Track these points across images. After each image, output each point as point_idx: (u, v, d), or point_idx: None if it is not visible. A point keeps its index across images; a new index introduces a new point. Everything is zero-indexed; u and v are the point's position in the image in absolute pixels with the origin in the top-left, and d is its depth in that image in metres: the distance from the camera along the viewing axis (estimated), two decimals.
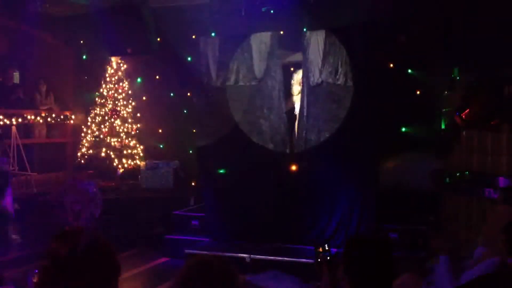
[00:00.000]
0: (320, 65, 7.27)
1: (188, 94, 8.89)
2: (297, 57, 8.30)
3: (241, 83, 7.74)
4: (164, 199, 8.54)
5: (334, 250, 3.63)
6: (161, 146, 10.07)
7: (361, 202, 7.16)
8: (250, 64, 7.67)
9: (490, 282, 2.96)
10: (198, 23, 8.17)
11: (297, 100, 7.88)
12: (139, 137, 10.53)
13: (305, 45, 7.41)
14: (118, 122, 10.32)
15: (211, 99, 7.89)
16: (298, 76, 7.84)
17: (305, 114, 7.39)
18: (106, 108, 10.36)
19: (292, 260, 6.90)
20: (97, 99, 10.46)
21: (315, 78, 7.30)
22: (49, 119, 10.62)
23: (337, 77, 7.16)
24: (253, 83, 7.69)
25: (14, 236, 7.95)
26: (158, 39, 8.28)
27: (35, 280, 2.00)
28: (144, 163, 10.11)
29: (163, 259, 7.83)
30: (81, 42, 10.10)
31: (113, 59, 10.45)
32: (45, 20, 9.38)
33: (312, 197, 7.36)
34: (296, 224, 7.47)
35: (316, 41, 7.29)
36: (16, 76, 10.92)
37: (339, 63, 7.16)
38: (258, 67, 7.63)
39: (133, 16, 8.54)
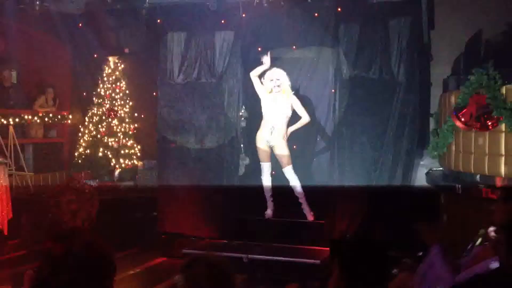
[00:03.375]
0: (353, 58, 7.24)
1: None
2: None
3: (202, 80, 7.87)
4: None
5: None
6: None
7: (391, 203, 7.03)
8: (211, 61, 7.79)
9: (489, 281, 2.96)
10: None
11: (268, 99, 7.78)
12: (137, 137, 10.52)
13: (339, 37, 7.40)
14: (115, 121, 10.30)
15: (173, 94, 8.00)
16: (271, 74, 7.74)
17: (337, 107, 7.34)
18: (104, 108, 10.34)
19: (291, 260, 6.89)
20: (94, 98, 10.44)
21: (349, 71, 7.24)
22: (46, 119, 10.59)
23: (372, 70, 7.12)
24: (214, 80, 7.78)
25: None
26: (156, 38, 8.27)
27: (31, 280, 1.99)
28: (141, 163, 10.09)
29: (160, 259, 7.83)
30: (78, 41, 10.07)
31: (110, 58, 10.43)
32: (43, 20, 9.36)
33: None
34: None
35: (349, 33, 7.27)
36: (14, 76, 10.89)
37: (374, 56, 7.13)
38: (220, 64, 7.78)
39: (130, 16, 8.55)
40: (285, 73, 7.80)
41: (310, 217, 7.67)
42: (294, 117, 7.84)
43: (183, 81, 7.98)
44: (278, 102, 7.71)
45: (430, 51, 7.69)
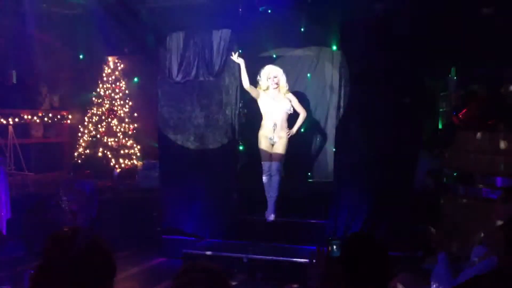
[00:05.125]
0: (355, 57, 7.24)
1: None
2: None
3: (201, 78, 7.92)
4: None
5: None
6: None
7: (393, 203, 7.05)
8: (209, 60, 7.85)
9: (488, 281, 2.96)
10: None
11: (266, 98, 7.79)
12: (136, 137, 10.52)
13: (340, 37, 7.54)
14: (115, 121, 10.32)
15: (173, 93, 8.05)
16: (268, 72, 7.77)
17: (341, 105, 7.37)
18: (103, 108, 10.36)
19: (291, 260, 6.89)
20: (94, 98, 10.45)
21: (351, 70, 7.25)
22: (46, 119, 10.60)
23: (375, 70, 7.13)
24: (212, 78, 7.85)
25: None
26: (155, 38, 8.28)
27: (31, 280, 1.99)
28: (141, 163, 10.09)
29: (160, 259, 7.83)
30: (78, 41, 10.09)
31: (110, 58, 10.44)
32: (43, 20, 9.37)
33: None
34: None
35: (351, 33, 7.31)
36: (14, 76, 10.88)
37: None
38: (217, 63, 7.83)
39: (130, 16, 8.55)
40: (281, 70, 7.82)
41: (270, 217, 7.69)
42: (292, 115, 7.84)
43: (182, 80, 8.01)
44: (276, 99, 7.71)
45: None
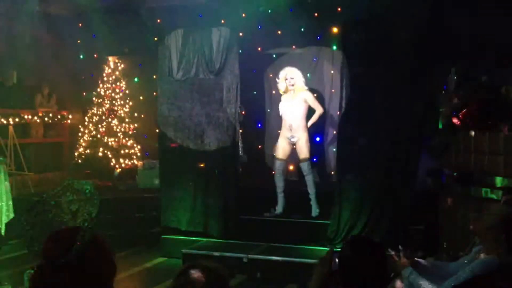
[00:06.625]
0: (356, 57, 7.28)
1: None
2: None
3: (201, 76, 7.94)
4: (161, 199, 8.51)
5: None
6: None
7: (394, 203, 7.06)
8: (209, 58, 7.87)
9: (488, 281, 2.97)
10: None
11: (283, 100, 7.94)
12: (136, 137, 10.52)
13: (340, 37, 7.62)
14: (115, 121, 10.31)
15: (173, 91, 8.06)
16: (285, 73, 7.89)
17: (343, 105, 7.38)
18: (103, 108, 10.35)
19: (291, 260, 6.89)
20: (94, 98, 10.44)
21: (351, 69, 7.28)
22: (46, 119, 10.60)
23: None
24: (212, 76, 7.87)
25: None
26: (155, 38, 8.28)
27: (31, 280, 1.98)
28: (141, 163, 10.09)
29: (160, 259, 7.83)
30: (78, 41, 10.09)
31: (110, 58, 10.43)
32: (43, 20, 9.37)
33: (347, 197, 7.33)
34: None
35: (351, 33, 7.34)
36: (14, 76, 10.89)
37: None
38: (217, 61, 7.85)
39: (130, 16, 8.55)
40: (299, 71, 7.94)
41: (314, 213, 7.78)
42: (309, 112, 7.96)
43: (182, 78, 8.02)
44: (290, 100, 7.86)
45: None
